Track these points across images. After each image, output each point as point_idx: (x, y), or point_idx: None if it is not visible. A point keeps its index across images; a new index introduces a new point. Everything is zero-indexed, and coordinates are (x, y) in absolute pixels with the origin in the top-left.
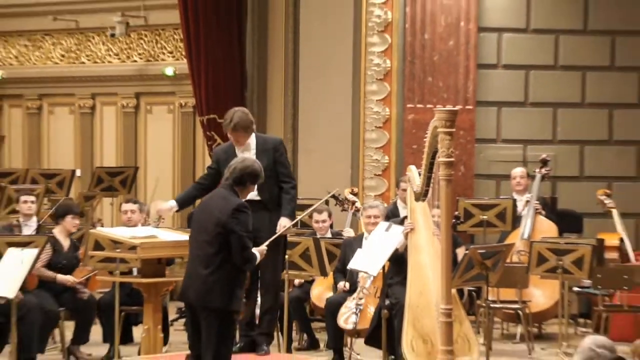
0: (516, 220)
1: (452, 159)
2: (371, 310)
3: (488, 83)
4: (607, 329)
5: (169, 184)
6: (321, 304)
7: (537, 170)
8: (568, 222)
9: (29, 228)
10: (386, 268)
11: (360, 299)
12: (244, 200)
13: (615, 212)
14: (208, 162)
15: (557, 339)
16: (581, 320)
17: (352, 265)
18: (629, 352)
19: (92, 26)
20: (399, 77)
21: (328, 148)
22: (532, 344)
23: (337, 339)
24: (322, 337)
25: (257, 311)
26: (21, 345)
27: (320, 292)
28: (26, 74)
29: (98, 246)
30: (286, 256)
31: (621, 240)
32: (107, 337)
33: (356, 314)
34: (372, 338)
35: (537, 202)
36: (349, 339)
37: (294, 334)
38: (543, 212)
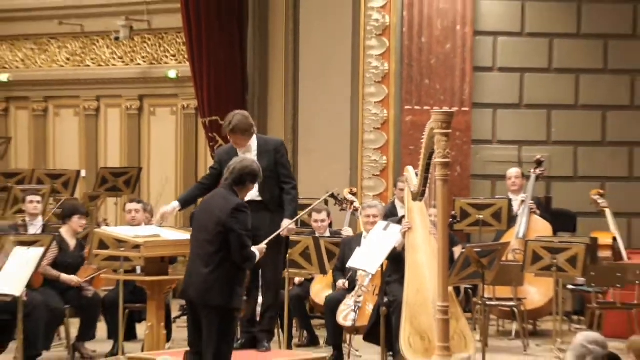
0: (511, 220)
1: (448, 160)
2: (370, 307)
3: (484, 85)
4: (601, 326)
5: (172, 184)
6: (320, 301)
7: (532, 170)
8: (562, 221)
9: (35, 227)
10: (384, 266)
11: (359, 296)
12: (244, 199)
13: (608, 212)
14: (210, 162)
15: (551, 335)
16: (575, 318)
17: (351, 263)
18: (621, 349)
19: (97, 30)
20: (397, 79)
21: (327, 149)
22: (527, 340)
23: (337, 336)
24: (322, 334)
25: (258, 309)
26: (27, 342)
27: (320, 290)
28: (32, 77)
29: (102, 245)
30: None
31: (614, 239)
32: (112, 334)
33: (355, 312)
34: (370, 335)
35: (532, 201)
36: (348, 336)
37: (294, 330)
38: (538, 212)
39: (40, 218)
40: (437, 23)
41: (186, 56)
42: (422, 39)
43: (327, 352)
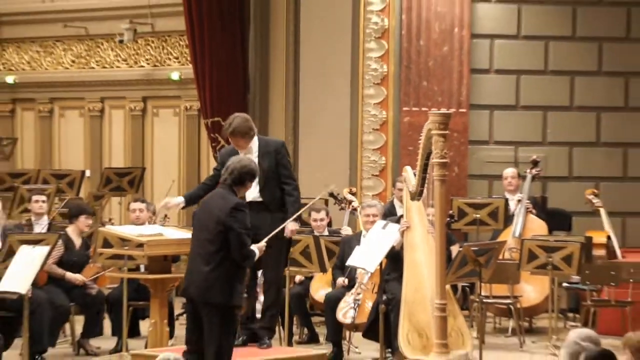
0: (508, 219)
1: (446, 160)
2: (369, 305)
3: (481, 87)
4: (595, 323)
5: (175, 183)
6: (320, 299)
7: (528, 170)
8: (558, 220)
9: (40, 226)
10: (383, 265)
11: (359, 294)
12: (243, 198)
13: (602, 211)
14: (212, 162)
15: (547, 332)
16: (570, 315)
17: (350, 261)
18: (615, 345)
19: (101, 33)
20: (396, 81)
21: (327, 149)
22: (523, 337)
23: (336, 333)
24: (322, 331)
25: (258, 306)
26: (32, 339)
27: (319, 288)
28: (38, 79)
29: (107, 244)
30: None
31: (608, 237)
32: (116, 331)
33: (354, 309)
34: (369, 332)
35: (528, 201)
36: (347, 333)
37: (294, 328)
38: (534, 211)
39: (45, 217)
40: (434, 26)
41: (189, 58)
42: (420, 42)
43: (327, 348)
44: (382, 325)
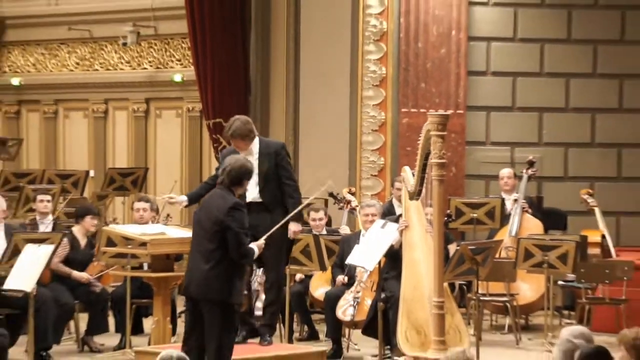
0: (504, 218)
1: (444, 161)
2: (368, 302)
3: (477, 89)
4: (590, 321)
5: (177, 183)
6: (319, 297)
7: (524, 171)
8: (553, 219)
9: (45, 225)
10: (382, 263)
11: (358, 292)
12: (240, 196)
13: (597, 210)
14: (214, 163)
15: (543, 329)
16: (565, 312)
17: (350, 260)
18: (610, 342)
19: (105, 35)
20: (394, 83)
21: (327, 149)
22: (520, 334)
23: (336, 330)
24: (322, 329)
25: (259, 304)
26: (37, 336)
27: (319, 286)
28: (43, 81)
29: (110, 243)
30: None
31: (603, 236)
32: (120, 328)
33: (354, 307)
34: (368, 329)
35: (524, 201)
36: (347, 330)
37: (295, 325)
38: (530, 211)
39: (50, 216)
40: (432, 29)
41: (191, 61)
42: (418, 44)
43: (326, 345)
44: (381, 322)
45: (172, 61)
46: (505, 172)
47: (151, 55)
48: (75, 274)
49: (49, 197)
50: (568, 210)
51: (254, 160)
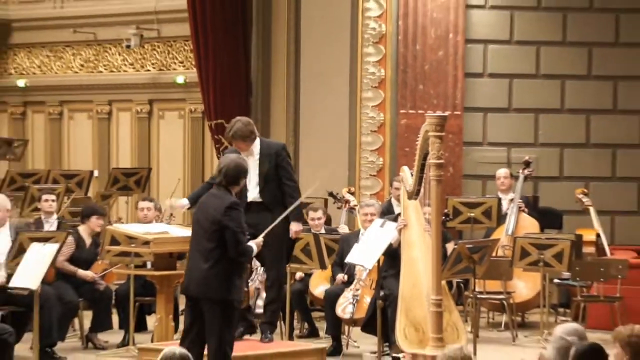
0: (501, 218)
1: (441, 161)
2: (367, 300)
3: (475, 90)
4: (585, 318)
5: (180, 183)
6: (319, 295)
7: (520, 171)
8: (549, 219)
9: (50, 224)
10: (381, 262)
11: (357, 290)
12: (239, 196)
13: (592, 210)
14: (216, 163)
15: (539, 327)
16: (561, 310)
17: (349, 259)
18: (605, 339)
19: (109, 38)
20: (393, 84)
21: (327, 150)
22: (516, 331)
23: (336, 327)
24: (322, 326)
25: (260, 302)
26: (41, 333)
27: (318, 284)
28: (48, 82)
29: (114, 241)
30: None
31: (598, 235)
32: (123, 325)
33: (353, 304)
34: (367, 326)
35: (520, 200)
36: (346, 327)
37: (295, 323)
38: (526, 210)
39: (54, 216)
40: (430, 32)
41: (193, 63)
42: (416, 47)
43: (326, 342)
44: (380, 320)
45: (175, 63)
46: (502, 172)
47: (154, 57)
48: (81, 272)
49: (53, 197)
50: (563, 209)
51: (254, 160)
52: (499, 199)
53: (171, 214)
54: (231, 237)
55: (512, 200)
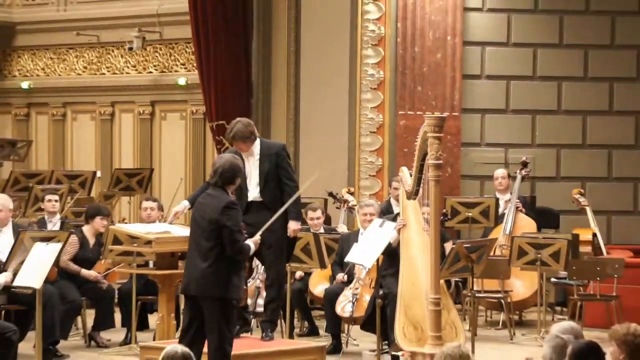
0: (499, 217)
1: (440, 161)
2: (366, 299)
3: (472, 92)
4: (582, 317)
5: (182, 183)
6: (319, 294)
7: (518, 171)
8: (546, 218)
9: (53, 224)
10: (380, 261)
11: (357, 288)
12: (238, 197)
13: (588, 210)
14: None
15: (536, 325)
16: (558, 308)
17: (348, 258)
18: (601, 338)
19: (112, 41)
20: (392, 86)
21: (327, 151)
22: (514, 330)
23: (335, 326)
24: (322, 324)
25: (260, 301)
26: (44, 331)
27: (318, 283)
28: (52, 84)
29: (117, 241)
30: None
31: (594, 235)
32: (125, 324)
33: (352, 303)
34: (367, 325)
35: (518, 200)
36: (346, 326)
37: (295, 321)
38: (523, 210)
39: (58, 216)
40: (428, 34)
41: (195, 65)
42: (415, 49)
43: (326, 341)
44: (379, 318)
45: (177, 65)
46: (500, 172)
47: (156, 59)
48: (84, 272)
49: (57, 197)
50: (560, 209)
51: (255, 161)
52: (497, 199)
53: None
54: (228, 236)
55: (507, 202)
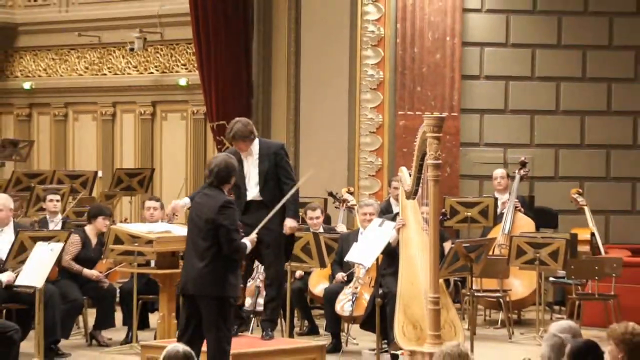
0: (497, 217)
1: (439, 161)
2: (366, 298)
3: (471, 92)
4: (580, 316)
5: (185, 183)
6: (318, 293)
7: (517, 171)
8: (544, 218)
9: (55, 224)
10: (379, 260)
11: (356, 288)
12: (237, 196)
13: (586, 209)
14: None
15: (534, 324)
16: (556, 308)
17: (348, 257)
18: (599, 337)
19: (113, 41)
20: (391, 86)
21: (327, 151)
22: (512, 329)
23: (335, 325)
24: (322, 323)
25: (260, 300)
26: (45, 330)
27: (317, 282)
28: (54, 85)
29: (118, 240)
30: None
31: (592, 234)
32: (127, 323)
33: (352, 302)
34: (366, 323)
35: (517, 200)
36: (345, 325)
37: (295, 320)
38: (522, 210)
39: (59, 215)
40: (428, 35)
41: (195, 65)
42: (414, 49)
43: (326, 340)
44: (379, 317)
45: (178, 66)
46: (499, 172)
47: (157, 60)
48: (86, 271)
49: (58, 197)
50: (559, 209)
51: (254, 160)
52: (496, 199)
53: (174, 214)
54: (225, 235)
55: (503, 203)
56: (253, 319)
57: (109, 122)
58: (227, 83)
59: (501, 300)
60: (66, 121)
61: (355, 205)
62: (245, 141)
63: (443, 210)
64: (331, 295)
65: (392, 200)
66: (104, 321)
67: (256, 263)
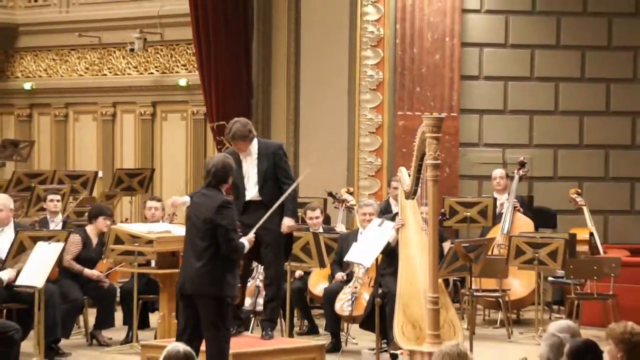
0: (496, 217)
1: (438, 162)
2: (365, 297)
3: (471, 93)
4: (579, 315)
5: (185, 184)
6: (318, 292)
7: (515, 171)
8: (543, 218)
9: (55, 224)
10: (379, 260)
11: (356, 287)
12: (236, 196)
13: (585, 209)
14: None
15: (533, 324)
16: (555, 307)
17: (348, 257)
18: (598, 336)
19: (114, 42)
20: (390, 87)
21: (326, 151)
22: (511, 328)
23: (335, 324)
24: (321, 323)
25: (260, 300)
26: (46, 329)
27: (317, 282)
28: (54, 85)
29: (118, 240)
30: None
31: (591, 234)
32: (127, 322)
33: (352, 302)
34: (366, 323)
35: (516, 200)
36: (345, 324)
37: (295, 320)
38: (521, 210)
39: (60, 215)
40: (427, 35)
41: (195, 66)
42: (413, 50)
43: (325, 339)
44: (378, 317)
45: (178, 66)
46: (498, 172)
47: (157, 60)
48: (87, 271)
49: (59, 197)
50: (557, 209)
51: (253, 160)
52: (495, 199)
53: (173, 213)
54: (223, 235)
55: (501, 204)
56: (253, 318)
57: (109, 123)
58: (227, 83)
59: (500, 300)
60: (66, 121)
61: (355, 205)
62: (244, 141)
63: (442, 210)
64: (331, 295)
65: (391, 200)
66: (105, 321)
67: (255, 263)
